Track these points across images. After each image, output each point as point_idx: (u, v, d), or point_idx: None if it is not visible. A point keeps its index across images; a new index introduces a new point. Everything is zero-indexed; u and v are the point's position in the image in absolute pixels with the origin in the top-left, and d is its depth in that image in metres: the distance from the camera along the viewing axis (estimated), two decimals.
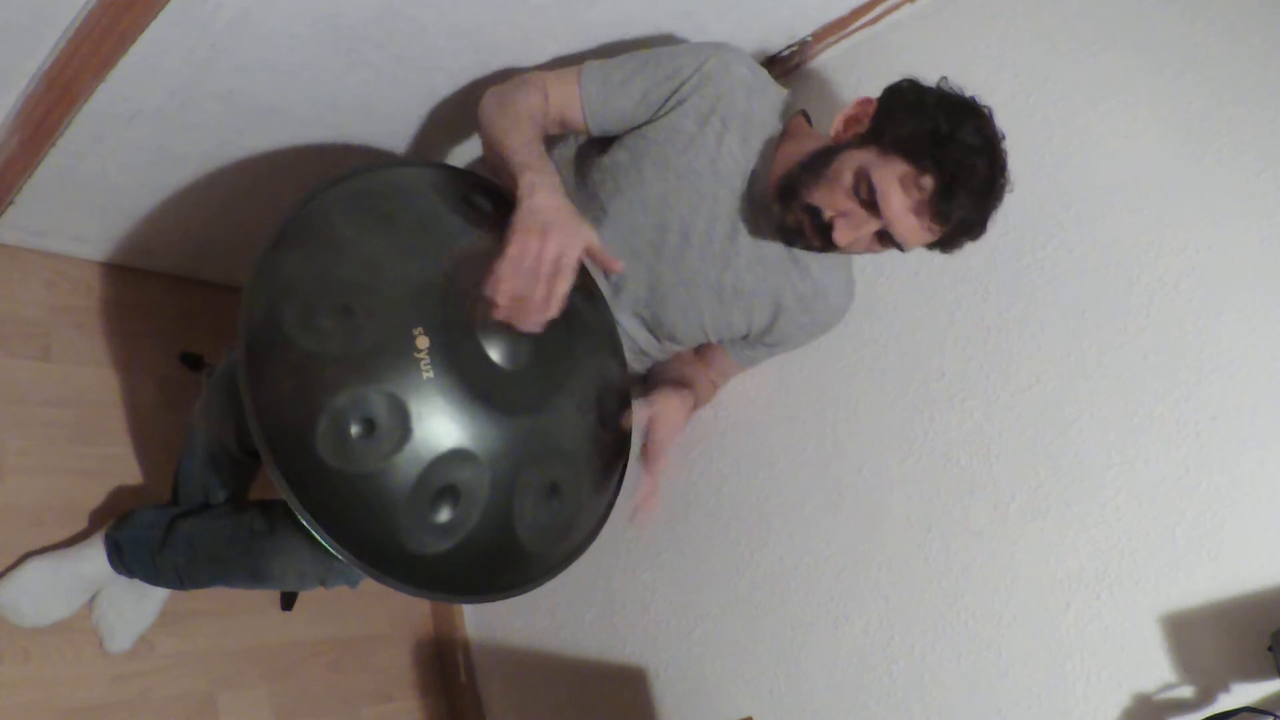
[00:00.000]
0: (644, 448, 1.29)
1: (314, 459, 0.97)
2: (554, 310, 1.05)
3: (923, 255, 1.46)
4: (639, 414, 1.26)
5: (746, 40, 1.51)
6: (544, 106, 1.28)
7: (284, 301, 1.02)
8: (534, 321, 1.05)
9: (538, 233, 1.03)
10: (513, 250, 1.02)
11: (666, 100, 1.27)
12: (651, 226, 1.30)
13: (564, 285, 1.04)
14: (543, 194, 1.07)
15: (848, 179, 1.16)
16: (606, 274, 1.32)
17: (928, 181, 1.11)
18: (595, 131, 1.32)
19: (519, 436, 1.06)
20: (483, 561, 1.08)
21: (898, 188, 1.13)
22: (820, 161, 1.20)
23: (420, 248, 1.09)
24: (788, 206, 1.22)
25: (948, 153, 1.10)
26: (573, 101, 1.29)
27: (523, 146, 1.16)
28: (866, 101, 1.23)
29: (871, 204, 1.15)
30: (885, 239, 1.19)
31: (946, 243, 1.20)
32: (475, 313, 1.04)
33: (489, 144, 1.23)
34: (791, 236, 1.23)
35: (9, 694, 1.34)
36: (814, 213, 1.19)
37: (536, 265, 1.02)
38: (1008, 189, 1.18)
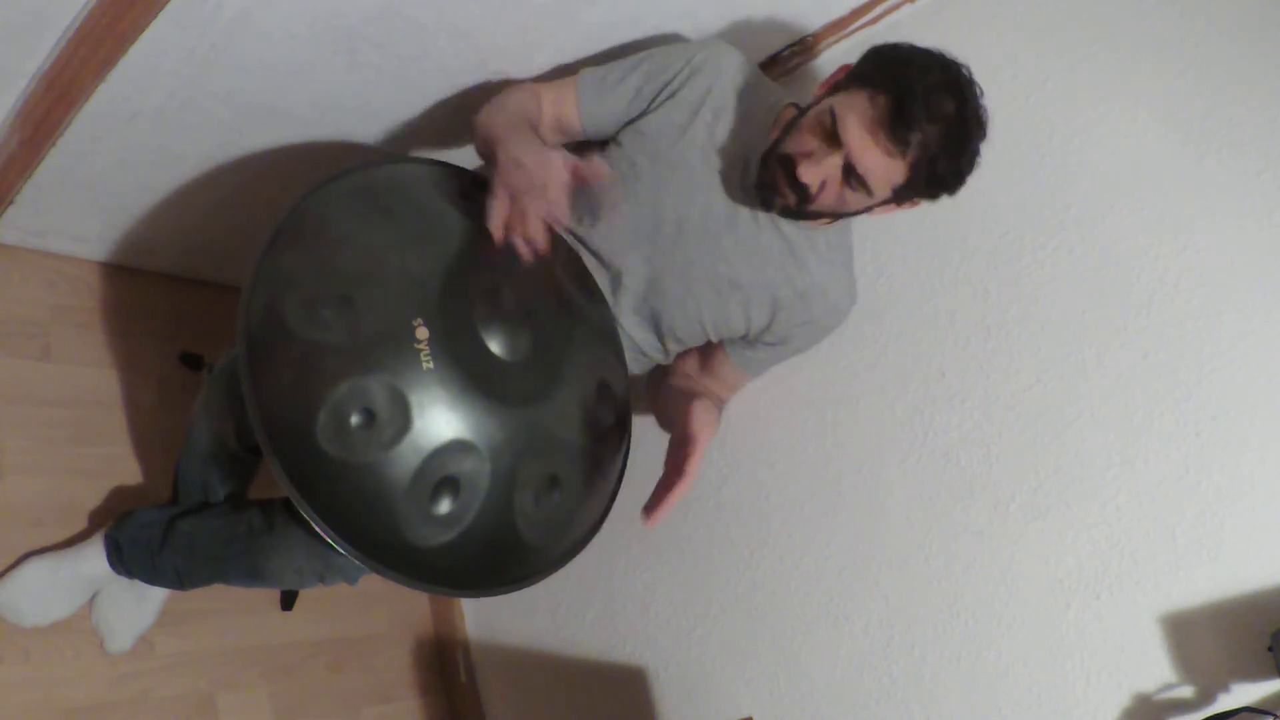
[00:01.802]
0: (682, 457, 1.20)
1: (315, 450, 0.97)
2: (562, 210, 1.09)
3: (923, 255, 1.47)
4: (693, 424, 1.21)
5: (747, 40, 1.51)
6: (539, 109, 1.31)
7: (284, 294, 1.02)
8: (540, 227, 1.09)
9: (520, 173, 1.10)
10: (498, 190, 1.10)
11: (658, 94, 1.30)
12: (646, 218, 1.30)
13: (559, 199, 1.09)
14: (512, 144, 1.13)
15: (813, 119, 1.18)
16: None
17: (882, 100, 1.11)
18: (591, 132, 1.34)
19: (519, 428, 1.06)
20: (483, 554, 1.08)
21: (854, 111, 1.13)
22: (796, 117, 1.23)
23: (419, 240, 1.09)
24: (765, 163, 1.23)
25: (905, 75, 1.11)
26: (568, 102, 1.32)
27: (507, 130, 1.19)
28: (845, 66, 1.24)
29: (834, 136, 1.15)
30: (852, 177, 1.16)
31: (915, 182, 1.16)
32: (488, 253, 1.10)
33: (482, 146, 1.26)
34: (768, 195, 1.23)
35: (9, 694, 1.34)
36: (785, 162, 1.20)
37: (521, 205, 1.09)
38: (982, 134, 1.16)
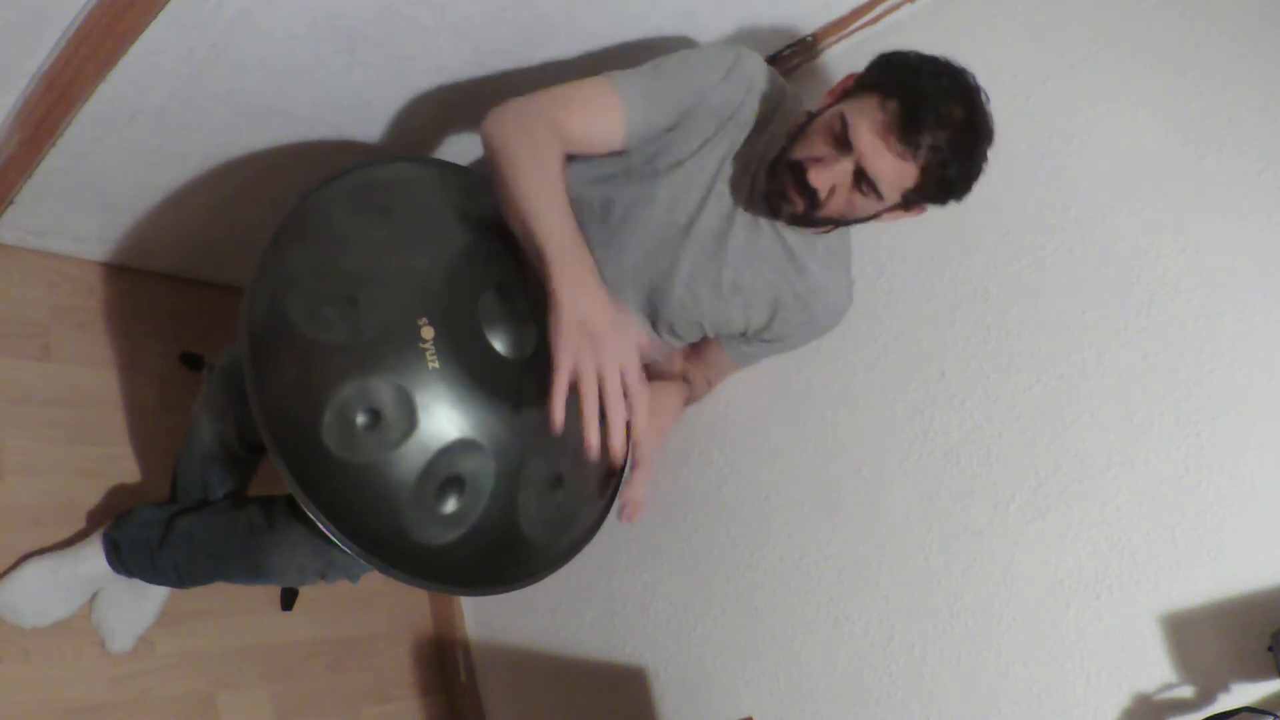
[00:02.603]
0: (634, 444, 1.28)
1: (319, 449, 0.97)
2: (640, 423, 1.00)
3: (923, 255, 1.47)
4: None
5: (746, 40, 1.51)
6: (562, 141, 1.19)
7: (288, 293, 1.02)
8: (621, 449, 0.99)
9: (586, 343, 0.98)
10: (562, 371, 0.97)
11: (693, 108, 1.29)
12: (656, 221, 1.30)
13: (642, 400, 0.99)
14: (575, 288, 1.01)
15: (823, 125, 1.18)
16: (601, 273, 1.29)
17: (893, 105, 1.12)
18: (631, 147, 1.28)
19: (524, 427, 1.06)
20: (487, 553, 1.08)
21: (865, 115, 1.14)
22: (804, 124, 1.23)
23: (424, 239, 1.09)
24: (773, 171, 1.23)
25: (915, 81, 1.12)
26: (612, 124, 1.23)
27: (553, 216, 1.07)
28: (852, 75, 1.24)
29: (845, 141, 1.15)
30: (862, 181, 1.16)
31: (926, 186, 1.15)
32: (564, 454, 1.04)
33: (511, 200, 1.11)
34: (776, 203, 1.23)
35: (9, 694, 1.34)
36: (795, 168, 1.19)
37: (594, 383, 0.98)
38: (990, 140, 1.17)
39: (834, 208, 1.21)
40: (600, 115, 1.23)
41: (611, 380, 0.98)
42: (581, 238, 1.08)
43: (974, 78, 1.16)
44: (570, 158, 1.39)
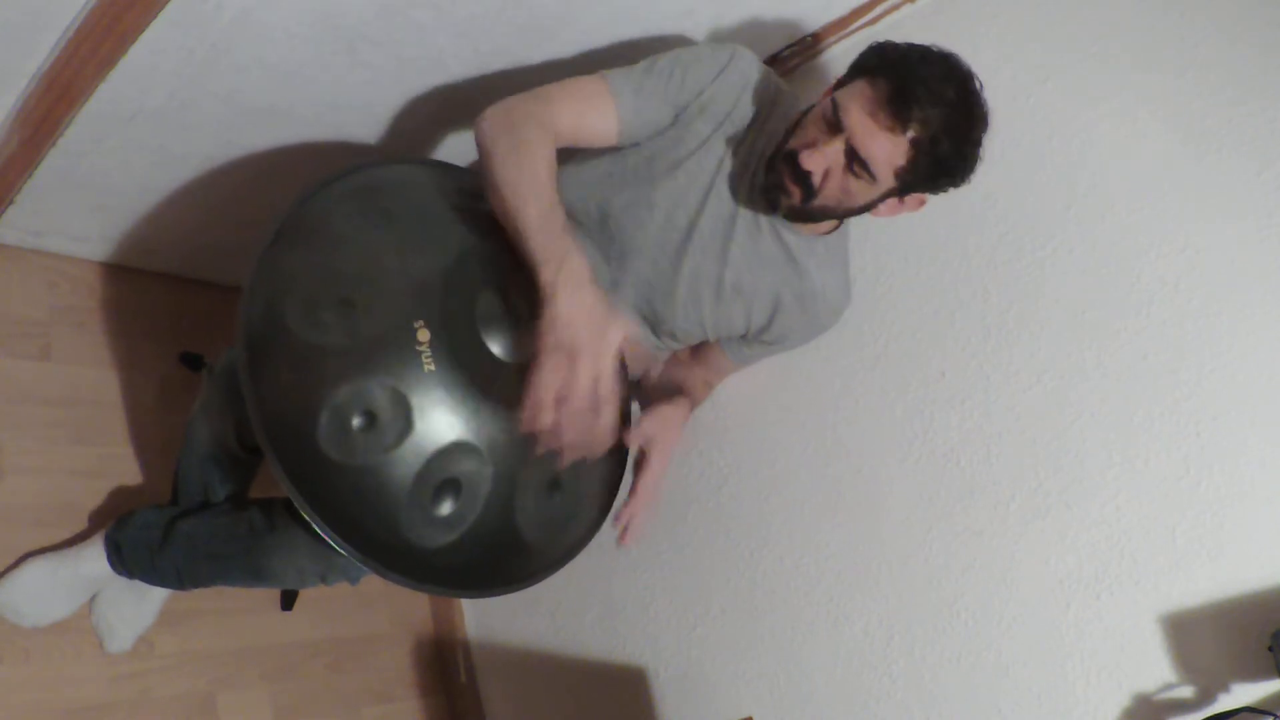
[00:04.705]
0: (638, 466, 1.31)
1: (316, 452, 0.97)
2: (604, 443, 1.04)
3: (923, 255, 1.47)
4: (635, 433, 1.28)
5: (746, 40, 1.51)
6: (553, 133, 1.21)
7: (284, 295, 1.02)
8: (587, 448, 1.04)
9: (565, 354, 1.00)
10: (542, 378, 0.99)
11: (688, 106, 1.29)
12: (656, 224, 1.30)
13: (609, 413, 1.03)
14: (568, 294, 1.02)
15: (816, 113, 1.19)
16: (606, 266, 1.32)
17: (882, 82, 1.12)
18: (625, 144, 1.30)
19: (520, 431, 1.06)
20: (484, 556, 1.08)
21: (855, 96, 1.14)
22: (800, 117, 1.24)
23: (420, 242, 1.09)
24: (771, 165, 1.23)
25: (905, 62, 1.13)
26: (604, 117, 1.25)
27: (541, 220, 1.08)
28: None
29: (836, 123, 1.15)
30: (855, 161, 1.15)
31: (918, 164, 1.14)
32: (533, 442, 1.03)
33: (498, 198, 1.13)
34: (775, 196, 1.23)
35: (9, 694, 1.34)
36: (790, 158, 1.20)
37: (569, 395, 0.99)
38: (984, 124, 1.16)
39: (830, 194, 1.20)
40: (593, 111, 1.24)
41: (582, 395, 1.00)
42: (571, 234, 1.09)
43: (965, 62, 1.16)
44: (567, 158, 1.40)
